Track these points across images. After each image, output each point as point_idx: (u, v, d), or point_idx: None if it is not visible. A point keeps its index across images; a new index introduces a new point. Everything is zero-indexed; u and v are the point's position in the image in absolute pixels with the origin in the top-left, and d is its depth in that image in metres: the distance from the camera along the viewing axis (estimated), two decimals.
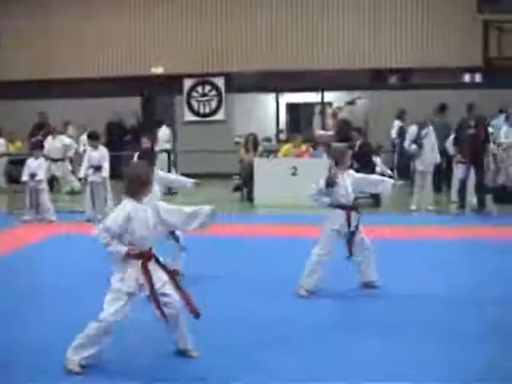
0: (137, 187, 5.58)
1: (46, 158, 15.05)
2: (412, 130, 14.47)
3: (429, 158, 14.15)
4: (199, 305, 5.61)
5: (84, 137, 17.85)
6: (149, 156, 8.90)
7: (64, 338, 5.54)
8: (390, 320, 6.71)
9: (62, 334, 5.89)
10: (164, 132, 18.26)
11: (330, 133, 17.99)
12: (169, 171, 17.46)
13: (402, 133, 18.13)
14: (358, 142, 15.52)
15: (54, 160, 16.53)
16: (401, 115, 19.11)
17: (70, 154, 17.50)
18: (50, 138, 17.28)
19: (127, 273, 5.42)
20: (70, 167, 17.93)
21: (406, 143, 14.47)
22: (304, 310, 7.10)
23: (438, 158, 14.37)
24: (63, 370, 5.33)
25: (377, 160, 16.58)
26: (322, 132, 18.88)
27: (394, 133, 19.15)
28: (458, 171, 13.95)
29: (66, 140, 17.31)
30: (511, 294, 7.53)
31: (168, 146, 18.11)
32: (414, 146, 14.14)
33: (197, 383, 5.24)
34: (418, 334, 6.21)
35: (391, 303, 7.30)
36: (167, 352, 5.78)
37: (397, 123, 19.06)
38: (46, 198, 13.45)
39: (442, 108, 15.02)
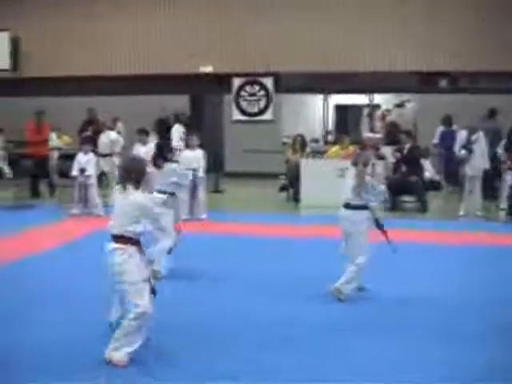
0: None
1: (96, 153, 15.22)
2: (462, 134, 14.31)
3: (478, 163, 13.96)
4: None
5: None
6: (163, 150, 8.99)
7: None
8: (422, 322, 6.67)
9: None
10: (177, 130, 17.89)
11: (378, 135, 17.89)
12: None
13: (444, 138, 17.97)
14: (407, 146, 15.40)
15: (103, 155, 16.69)
16: (445, 121, 18.67)
17: (117, 149, 17.64)
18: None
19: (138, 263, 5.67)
20: (117, 163, 18.04)
21: (456, 148, 14.29)
22: (319, 311, 7.16)
23: (487, 164, 14.17)
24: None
25: (425, 164, 16.44)
26: (370, 134, 18.74)
27: (436, 138, 18.90)
28: (508, 178, 13.73)
29: (112, 135, 17.45)
30: None
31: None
32: (463, 151, 13.97)
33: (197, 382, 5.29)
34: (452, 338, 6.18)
35: (415, 306, 7.34)
36: (168, 351, 5.84)
37: (440, 129, 18.73)
38: (94, 192, 13.64)
39: (492, 113, 14.81)
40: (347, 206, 7.76)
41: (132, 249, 5.65)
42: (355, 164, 7.80)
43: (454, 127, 17.92)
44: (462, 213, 13.96)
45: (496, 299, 7.58)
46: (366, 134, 18.41)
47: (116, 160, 17.66)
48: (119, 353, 5.58)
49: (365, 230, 7.64)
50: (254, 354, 5.82)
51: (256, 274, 8.70)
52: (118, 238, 5.65)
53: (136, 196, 5.69)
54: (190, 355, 5.76)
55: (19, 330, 6.38)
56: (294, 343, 6.10)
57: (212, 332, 6.40)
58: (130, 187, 5.70)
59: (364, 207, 7.67)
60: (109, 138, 17.38)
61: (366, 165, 7.73)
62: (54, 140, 19.14)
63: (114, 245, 5.66)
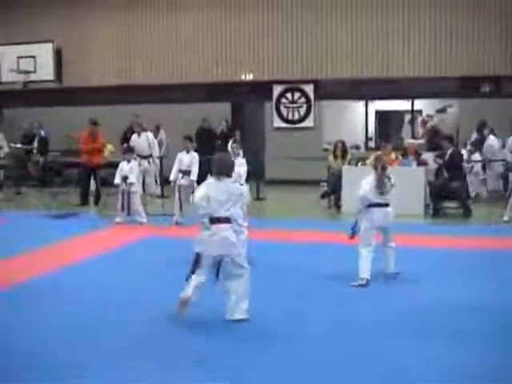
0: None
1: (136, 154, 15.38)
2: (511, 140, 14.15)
3: None
4: None
5: None
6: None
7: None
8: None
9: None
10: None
11: (421, 141, 17.81)
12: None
13: (476, 144, 17.82)
14: (449, 151, 15.31)
15: (142, 157, 16.85)
16: (480, 128, 18.43)
17: (155, 152, 17.81)
18: (135, 135, 17.48)
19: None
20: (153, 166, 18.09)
21: (508, 155, 14.08)
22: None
23: None
24: None
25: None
26: (412, 140, 18.68)
27: (468, 144, 18.65)
28: None
29: (150, 136, 17.66)
30: None
31: None
32: None
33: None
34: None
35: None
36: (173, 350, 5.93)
37: (474, 136, 18.46)
38: (137, 200, 13.78)
39: None
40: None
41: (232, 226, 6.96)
42: (375, 168, 8.86)
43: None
44: (506, 218, 13.79)
45: None
46: (408, 140, 18.36)
47: (153, 163, 17.81)
48: (243, 309, 6.98)
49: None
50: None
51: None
52: (222, 219, 6.90)
53: (232, 185, 7.15)
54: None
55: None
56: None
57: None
58: (226, 179, 7.03)
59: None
60: (148, 139, 17.57)
61: (384, 168, 8.78)
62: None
63: (222, 225, 6.89)
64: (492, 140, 17.17)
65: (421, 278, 8.84)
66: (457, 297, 7.88)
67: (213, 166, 7.09)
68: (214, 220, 6.88)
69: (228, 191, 6.95)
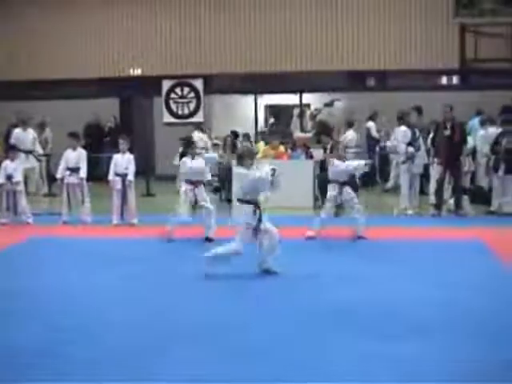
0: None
1: (18, 149, 14.90)
2: (404, 132, 14.42)
3: (421, 160, 14.25)
4: None
5: None
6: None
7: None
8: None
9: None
10: None
11: (308, 134, 18.04)
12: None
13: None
14: (329, 145, 15.68)
15: (25, 152, 16.32)
16: (374, 116, 19.46)
17: (38, 148, 17.36)
18: (19, 129, 16.94)
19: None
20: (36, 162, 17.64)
21: (402, 146, 14.34)
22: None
23: (426, 160, 14.41)
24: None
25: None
26: (301, 134, 18.91)
27: (374, 132, 19.37)
28: (435, 172, 13.98)
29: (33, 132, 17.20)
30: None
31: None
32: (410, 149, 14.12)
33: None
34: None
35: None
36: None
37: (370, 124, 19.36)
38: (23, 199, 13.39)
39: (419, 110, 15.08)
40: None
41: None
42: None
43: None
44: (410, 211, 14.10)
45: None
46: (296, 134, 18.57)
47: (34, 159, 17.34)
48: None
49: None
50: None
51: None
52: (249, 202, 8.43)
53: (256, 172, 8.49)
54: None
55: None
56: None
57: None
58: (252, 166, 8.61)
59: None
60: (33, 134, 17.11)
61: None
62: None
63: (252, 206, 8.41)
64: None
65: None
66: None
67: None
68: None
69: None
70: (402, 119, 17.70)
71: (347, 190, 11.27)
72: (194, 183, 11.25)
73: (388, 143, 16.59)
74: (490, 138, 14.72)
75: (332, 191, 11.29)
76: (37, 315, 6.99)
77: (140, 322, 6.71)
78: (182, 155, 11.63)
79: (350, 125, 18.57)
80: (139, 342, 6.12)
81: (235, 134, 18.31)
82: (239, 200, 8.73)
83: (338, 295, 7.64)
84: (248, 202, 8.54)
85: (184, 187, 11.23)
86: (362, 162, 11.74)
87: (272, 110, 23.41)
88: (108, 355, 5.77)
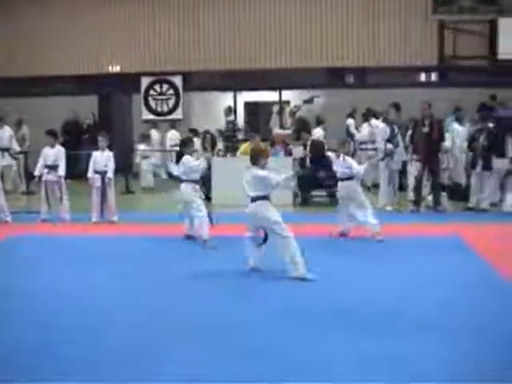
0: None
1: None
2: (383, 128, 14.52)
3: (400, 156, 14.33)
4: None
5: None
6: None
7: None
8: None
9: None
10: None
11: (288, 131, 18.05)
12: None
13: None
14: (309, 142, 15.73)
15: (2, 149, 16.24)
16: (353, 113, 19.58)
17: (14, 145, 17.27)
18: None
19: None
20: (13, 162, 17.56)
21: (381, 143, 14.41)
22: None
23: (405, 157, 14.47)
24: None
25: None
26: (280, 131, 18.91)
27: (353, 129, 19.47)
28: (413, 169, 14.06)
29: (7, 129, 17.14)
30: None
31: None
32: (390, 145, 14.19)
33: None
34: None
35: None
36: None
37: (349, 121, 19.47)
38: (0, 198, 13.29)
39: (397, 107, 15.13)
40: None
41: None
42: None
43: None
44: (389, 208, 14.11)
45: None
46: (276, 131, 18.57)
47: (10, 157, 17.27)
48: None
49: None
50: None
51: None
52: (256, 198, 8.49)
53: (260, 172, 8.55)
54: None
55: None
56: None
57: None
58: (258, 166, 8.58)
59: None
60: (9, 131, 17.02)
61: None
62: None
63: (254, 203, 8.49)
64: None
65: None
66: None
67: None
68: None
69: None
70: (366, 116, 17.92)
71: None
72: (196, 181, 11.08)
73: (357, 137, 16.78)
74: (466, 134, 14.85)
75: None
76: (26, 315, 6.90)
77: (138, 322, 6.65)
78: (180, 155, 11.47)
79: (318, 122, 18.68)
80: (138, 341, 6.05)
81: (195, 132, 18.35)
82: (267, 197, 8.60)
83: (322, 294, 7.65)
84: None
85: (190, 186, 10.94)
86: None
87: (251, 106, 23.40)
88: (107, 355, 5.70)
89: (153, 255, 9.94)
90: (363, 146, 18.28)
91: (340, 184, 11.20)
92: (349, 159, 11.14)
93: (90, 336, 6.19)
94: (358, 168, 11.02)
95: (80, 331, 6.31)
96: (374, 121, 17.98)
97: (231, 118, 19.60)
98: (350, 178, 10.96)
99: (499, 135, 13.93)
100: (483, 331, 6.21)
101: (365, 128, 18.55)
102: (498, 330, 6.24)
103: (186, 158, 10.93)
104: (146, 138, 18.99)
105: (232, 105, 22.41)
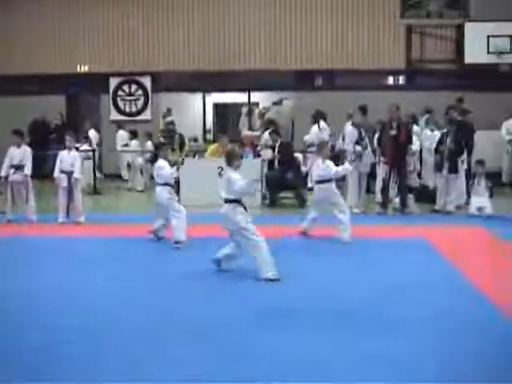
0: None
1: None
2: (351, 131, 14.57)
3: (369, 159, 14.42)
4: None
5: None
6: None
7: None
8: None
9: None
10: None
11: (256, 133, 18.09)
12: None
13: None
14: (277, 143, 15.79)
15: None
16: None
17: None
18: None
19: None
20: None
21: (350, 145, 14.46)
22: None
23: (373, 159, 14.56)
24: None
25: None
26: (249, 132, 18.95)
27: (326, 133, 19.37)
28: (381, 171, 14.13)
29: None
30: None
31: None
32: (358, 147, 14.25)
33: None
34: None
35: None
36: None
37: (322, 124, 19.38)
38: None
39: (363, 109, 15.20)
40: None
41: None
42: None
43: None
44: (357, 210, 14.13)
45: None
46: (245, 132, 18.60)
47: None
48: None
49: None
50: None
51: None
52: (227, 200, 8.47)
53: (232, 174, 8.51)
54: None
55: None
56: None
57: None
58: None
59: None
60: None
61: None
62: None
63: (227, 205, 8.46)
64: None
65: None
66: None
67: None
68: None
69: None
70: (315, 119, 17.96)
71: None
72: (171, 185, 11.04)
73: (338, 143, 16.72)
74: (435, 137, 14.97)
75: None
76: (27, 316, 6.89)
77: (133, 322, 6.65)
78: (154, 158, 11.43)
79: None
80: (138, 341, 6.06)
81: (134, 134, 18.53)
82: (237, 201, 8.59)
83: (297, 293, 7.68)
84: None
85: (166, 190, 10.89)
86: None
87: (220, 108, 23.39)
88: (106, 355, 5.71)
89: (126, 256, 9.91)
90: (312, 149, 18.22)
91: (317, 187, 11.25)
92: (327, 161, 11.11)
93: (88, 336, 6.21)
94: (336, 169, 11.08)
95: (79, 332, 6.29)
96: (322, 123, 18.02)
97: (169, 119, 19.56)
98: (327, 180, 10.99)
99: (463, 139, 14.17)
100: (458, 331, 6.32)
101: (313, 130, 18.42)
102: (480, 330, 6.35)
103: (161, 164, 10.88)
104: (86, 139, 18.86)
105: (202, 106, 22.46)
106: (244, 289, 7.98)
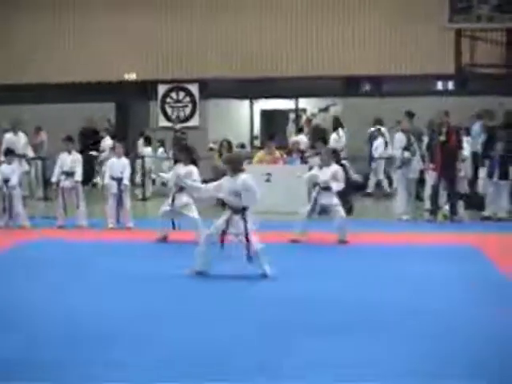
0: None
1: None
2: (400, 137, 14.44)
3: (417, 165, 14.29)
4: None
5: None
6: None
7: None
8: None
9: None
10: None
11: (304, 139, 18.07)
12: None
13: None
14: (323, 150, 15.71)
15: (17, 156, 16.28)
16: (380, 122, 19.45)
17: (30, 152, 17.42)
18: (10, 134, 17.07)
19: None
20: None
21: (398, 151, 14.34)
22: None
23: (421, 165, 14.42)
24: None
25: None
26: (296, 138, 18.93)
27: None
28: (430, 178, 13.99)
29: (22, 136, 17.30)
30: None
31: None
32: (406, 153, 14.15)
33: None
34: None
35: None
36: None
37: (340, 132, 19.25)
38: (19, 203, 13.38)
39: (410, 115, 15.05)
40: None
41: None
42: None
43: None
44: (405, 217, 14.08)
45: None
46: (292, 139, 18.60)
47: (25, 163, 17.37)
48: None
49: None
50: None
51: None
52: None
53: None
54: None
55: None
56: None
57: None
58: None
59: None
60: (24, 138, 17.18)
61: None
62: None
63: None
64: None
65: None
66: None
67: None
68: None
69: None
70: (334, 127, 17.94)
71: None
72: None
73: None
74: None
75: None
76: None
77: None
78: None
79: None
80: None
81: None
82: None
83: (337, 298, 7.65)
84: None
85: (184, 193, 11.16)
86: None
87: (267, 114, 23.42)
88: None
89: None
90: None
91: (324, 193, 11.42)
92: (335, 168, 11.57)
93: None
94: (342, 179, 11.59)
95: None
96: (340, 131, 18.00)
97: (179, 126, 19.65)
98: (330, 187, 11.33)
99: None
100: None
101: (333, 138, 18.36)
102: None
103: (177, 167, 11.26)
104: (161, 143, 19.14)
105: (249, 112, 22.54)
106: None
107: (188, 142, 17.99)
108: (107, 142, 18.73)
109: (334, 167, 11.70)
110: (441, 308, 7.22)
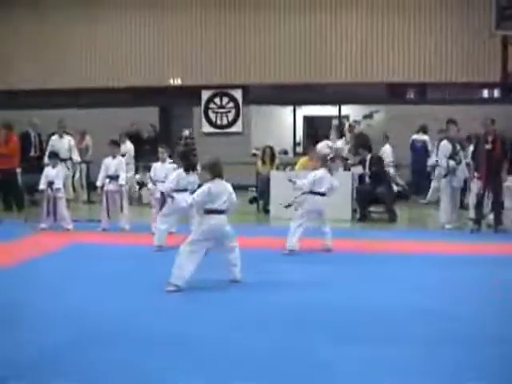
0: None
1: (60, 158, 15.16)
2: (445, 145, 14.29)
3: (463, 174, 14.16)
4: None
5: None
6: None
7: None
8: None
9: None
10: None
11: (347, 146, 17.99)
12: None
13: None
14: (368, 157, 15.64)
15: (62, 159, 16.50)
16: (425, 129, 19.28)
17: (75, 156, 17.63)
18: (55, 137, 17.41)
19: None
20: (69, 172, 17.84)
21: (443, 160, 14.20)
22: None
23: (467, 174, 14.30)
24: None
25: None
26: (339, 145, 18.84)
27: (430, 146, 19.18)
28: (474, 187, 13.84)
29: (71, 139, 17.53)
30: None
31: None
32: (452, 162, 14.01)
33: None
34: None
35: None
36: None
37: (425, 138, 19.19)
38: (63, 206, 13.53)
39: (454, 123, 14.85)
40: None
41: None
42: None
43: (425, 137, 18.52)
44: (449, 226, 13.95)
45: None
46: (335, 145, 18.52)
47: (71, 167, 17.61)
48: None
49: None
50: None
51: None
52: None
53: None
54: None
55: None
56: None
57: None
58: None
59: None
60: (69, 142, 17.39)
61: None
62: None
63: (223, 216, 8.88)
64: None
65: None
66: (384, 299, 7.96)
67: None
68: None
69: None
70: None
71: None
72: None
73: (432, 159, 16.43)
74: None
75: None
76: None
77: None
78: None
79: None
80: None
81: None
82: None
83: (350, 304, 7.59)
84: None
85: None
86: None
87: (310, 121, 23.39)
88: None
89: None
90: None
91: (318, 198, 11.19)
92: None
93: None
94: (336, 183, 11.45)
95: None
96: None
97: (186, 132, 19.61)
98: (324, 193, 11.22)
99: None
100: None
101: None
102: None
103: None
104: None
105: (292, 118, 22.53)
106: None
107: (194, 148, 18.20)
108: (128, 146, 18.82)
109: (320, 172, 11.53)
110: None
